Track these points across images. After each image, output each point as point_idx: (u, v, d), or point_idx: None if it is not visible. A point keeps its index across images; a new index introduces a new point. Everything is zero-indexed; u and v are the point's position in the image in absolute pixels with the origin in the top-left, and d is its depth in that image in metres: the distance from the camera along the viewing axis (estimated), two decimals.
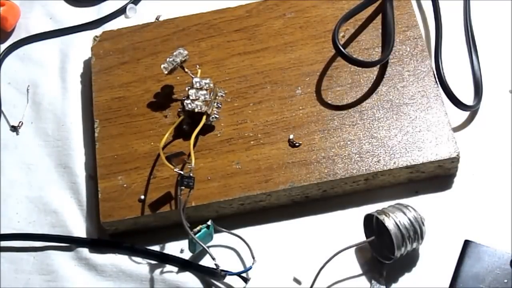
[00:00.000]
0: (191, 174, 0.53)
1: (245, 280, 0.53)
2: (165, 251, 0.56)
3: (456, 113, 0.58)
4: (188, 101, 0.57)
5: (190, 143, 0.55)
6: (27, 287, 0.57)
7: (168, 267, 0.55)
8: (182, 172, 0.53)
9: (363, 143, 0.56)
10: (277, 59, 0.61)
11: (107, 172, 0.57)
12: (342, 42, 0.60)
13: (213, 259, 0.52)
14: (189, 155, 0.54)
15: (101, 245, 0.57)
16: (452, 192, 0.56)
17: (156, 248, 0.56)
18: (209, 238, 0.54)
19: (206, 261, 0.55)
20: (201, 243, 0.52)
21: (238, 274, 0.53)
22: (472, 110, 0.59)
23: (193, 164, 0.53)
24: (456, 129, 0.58)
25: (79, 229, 0.58)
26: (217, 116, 0.58)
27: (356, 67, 0.59)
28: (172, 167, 0.53)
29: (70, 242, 0.57)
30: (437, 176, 0.56)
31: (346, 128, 0.57)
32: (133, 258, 0.56)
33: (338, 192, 0.57)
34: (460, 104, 0.57)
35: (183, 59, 0.59)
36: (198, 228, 0.53)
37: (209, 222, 0.53)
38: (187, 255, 0.55)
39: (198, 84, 0.58)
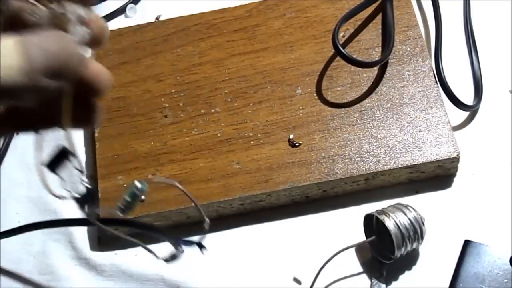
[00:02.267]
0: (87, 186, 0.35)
1: (201, 247, 0.45)
2: (166, 251, 0.56)
3: (456, 113, 0.58)
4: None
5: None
6: (27, 287, 0.57)
7: (169, 267, 0.55)
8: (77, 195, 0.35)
9: (363, 143, 0.56)
10: (277, 59, 0.61)
11: (107, 172, 0.57)
12: (342, 42, 0.60)
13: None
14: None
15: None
16: (452, 192, 0.56)
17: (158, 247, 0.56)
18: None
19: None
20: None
21: (196, 243, 0.45)
22: (472, 110, 0.59)
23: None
24: (456, 129, 0.58)
25: (80, 229, 0.58)
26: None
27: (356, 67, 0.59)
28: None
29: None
30: (437, 176, 0.56)
31: (346, 128, 0.57)
32: (134, 258, 0.56)
33: (338, 192, 0.57)
34: (460, 104, 0.57)
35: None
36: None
37: (137, 183, 0.39)
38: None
39: None
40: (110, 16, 0.70)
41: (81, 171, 0.35)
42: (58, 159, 0.35)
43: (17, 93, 0.29)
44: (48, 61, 0.29)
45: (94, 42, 0.33)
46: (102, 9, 0.71)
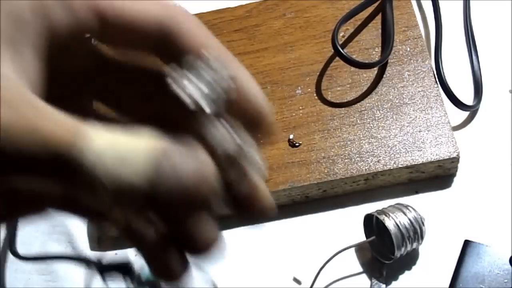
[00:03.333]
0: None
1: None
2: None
3: (456, 113, 0.58)
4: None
5: None
6: (27, 287, 0.57)
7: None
8: None
9: (363, 143, 0.56)
10: (277, 59, 0.61)
11: None
12: (342, 42, 0.60)
13: None
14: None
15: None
16: (452, 192, 0.56)
17: None
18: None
19: None
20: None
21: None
22: (472, 110, 0.59)
23: None
24: (456, 129, 0.58)
25: (80, 229, 0.58)
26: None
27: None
28: None
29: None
30: (437, 176, 0.56)
31: (346, 128, 0.57)
32: (134, 258, 0.56)
33: (338, 192, 0.57)
34: (460, 104, 0.57)
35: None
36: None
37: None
38: None
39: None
40: None
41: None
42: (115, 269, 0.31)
43: (131, 199, 0.24)
44: (179, 183, 0.24)
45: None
46: None
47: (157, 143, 0.24)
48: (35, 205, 0.26)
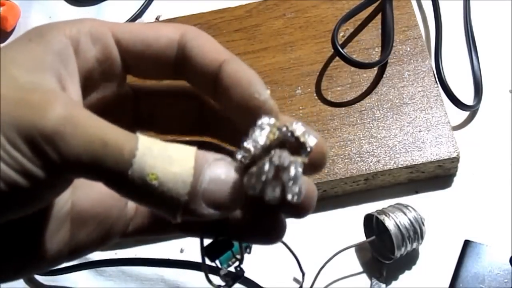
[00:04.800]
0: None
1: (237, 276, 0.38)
2: (166, 251, 0.56)
3: (456, 113, 0.58)
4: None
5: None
6: (27, 287, 0.57)
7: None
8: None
9: (363, 143, 0.56)
10: (277, 59, 0.61)
11: None
12: (341, 42, 0.60)
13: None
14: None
15: None
16: (452, 191, 0.56)
17: (158, 246, 0.56)
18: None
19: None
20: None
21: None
22: (472, 110, 0.59)
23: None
24: (456, 129, 0.58)
25: None
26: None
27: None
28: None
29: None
30: (437, 176, 0.56)
31: (346, 128, 0.57)
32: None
33: (338, 192, 0.57)
34: (460, 104, 0.57)
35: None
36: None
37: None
38: (186, 254, 0.55)
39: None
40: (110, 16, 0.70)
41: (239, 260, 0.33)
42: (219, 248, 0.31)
43: (171, 208, 0.25)
44: (215, 189, 0.26)
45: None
46: (102, 9, 0.71)
47: (202, 152, 0.26)
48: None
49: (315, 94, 0.59)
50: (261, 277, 0.54)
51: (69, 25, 0.28)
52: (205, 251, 0.30)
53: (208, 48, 0.30)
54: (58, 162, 0.24)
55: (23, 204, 0.25)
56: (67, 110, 0.24)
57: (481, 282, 0.50)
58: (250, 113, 0.27)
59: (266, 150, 0.26)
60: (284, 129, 0.26)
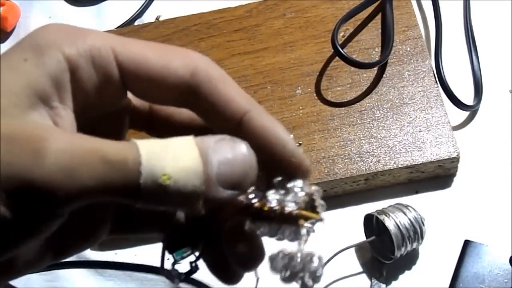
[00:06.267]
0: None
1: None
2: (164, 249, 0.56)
3: (456, 113, 0.58)
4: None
5: None
6: (27, 287, 0.57)
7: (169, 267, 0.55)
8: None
9: (363, 143, 0.56)
10: (277, 59, 0.61)
11: None
12: (341, 42, 0.60)
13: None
14: None
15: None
16: (452, 191, 0.56)
17: (155, 246, 0.56)
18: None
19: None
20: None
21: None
22: (472, 110, 0.59)
23: None
24: (456, 129, 0.58)
25: None
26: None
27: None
28: None
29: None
30: (437, 176, 0.56)
31: (346, 128, 0.57)
32: (133, 258, 0.56)
33: (338, 192, 0.57)
34: (460, 104, 0.57)
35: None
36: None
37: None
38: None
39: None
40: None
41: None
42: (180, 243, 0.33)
43: (192, 202, 0.25)
44: (226, 170, 0.26)
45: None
46: (102, 9, 0.71)
47: (200, 138, 0.26)
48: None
49: (315, 94, 0.59)
50: (261, 277, 0.54)
51: (69, 43, 0.26)
52: (166, 241, 0.31)
53: (226, 98, 0.28)
54: (61, 203, 0.23)
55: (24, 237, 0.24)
56: (61, 152, 0.23)
57: (481, 282, 0.50)
58: (277, 163, 0.28)
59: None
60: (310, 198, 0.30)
